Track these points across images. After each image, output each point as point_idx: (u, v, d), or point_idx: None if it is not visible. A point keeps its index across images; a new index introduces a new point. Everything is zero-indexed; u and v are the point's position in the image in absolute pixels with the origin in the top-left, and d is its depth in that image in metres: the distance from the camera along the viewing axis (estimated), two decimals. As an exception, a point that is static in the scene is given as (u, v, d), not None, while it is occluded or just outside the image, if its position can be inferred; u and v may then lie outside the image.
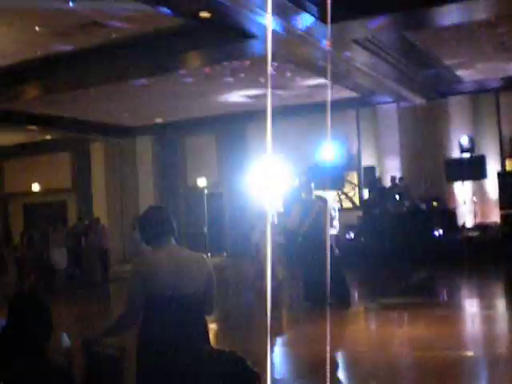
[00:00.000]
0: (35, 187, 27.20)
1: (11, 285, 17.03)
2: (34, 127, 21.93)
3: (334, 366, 7.81)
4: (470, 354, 8.26)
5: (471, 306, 12.51)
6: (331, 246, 11.60)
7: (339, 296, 11.40)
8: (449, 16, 12.36)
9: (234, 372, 3.93)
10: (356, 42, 13.48)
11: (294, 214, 12.20)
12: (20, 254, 18.24)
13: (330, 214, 11.96)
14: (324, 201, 12.40)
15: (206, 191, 24.62)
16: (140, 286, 4.00)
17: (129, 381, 4.10)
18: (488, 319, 10.81)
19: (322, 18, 11.31)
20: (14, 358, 3.50)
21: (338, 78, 17.49)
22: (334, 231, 11.93)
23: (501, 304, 12.54)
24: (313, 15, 11.14)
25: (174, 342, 3.95)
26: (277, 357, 8.49)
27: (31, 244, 17.97)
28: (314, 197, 11.99)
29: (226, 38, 12.62)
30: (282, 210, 20.27)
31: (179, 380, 3.94)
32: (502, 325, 10.46)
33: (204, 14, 11.01)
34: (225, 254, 22.90)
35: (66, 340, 4.26)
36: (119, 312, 4.15)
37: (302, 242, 11.78)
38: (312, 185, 12.16)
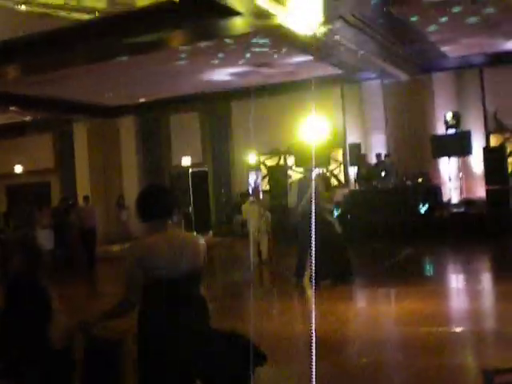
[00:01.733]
0: (18, 168, 27.01)
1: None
2: (15, 108, 21.70)
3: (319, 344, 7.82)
4: (458, 329, 8.29)
5: (458, 282, 12.58)
6: (331, 223, 11.62)
7: (339, 273, 11.44)
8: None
9: (241, 352, 3.91)
10: (341, 17, 13.38)
11: (291, 192, 12.23)
12: (4, 235, 18.07)
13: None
14: (325, 178, 12.45)
15: (190, 170, 24.56)
16: (138, 269, 3.97)
17: (129, 364, 4.08)
18: (474, 294, 10.87)
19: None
20: (15, 339, 3.46)
21: (322, 55, 17.40)
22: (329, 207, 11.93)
23: (486, 279, 12.61)
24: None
25: (175, 323, 3.92)
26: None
27: (15, 225, 17.79)
28: (310, 174, 11.99)
29: (210, 16, 12.47)
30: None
31: (182, 362, 3.92)
32: (487, 300, 10.53)
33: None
34: (210, 233, 22.85)
35: (65, 322, 4.21)
36: (106, 292, 4.13)
37: (302, 219, 11.78)
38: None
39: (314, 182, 11.63)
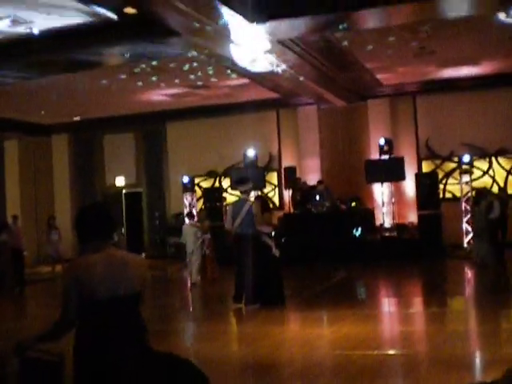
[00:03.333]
0: None
1: None
2: None
3: (255, 367, 7.79)
4: (391, 352, 8.34)
5: (390, 305, 12.70)
6: (268, 246, 11.59)
7: (272, 297, 11.41)
8: (369, 19, 12.55)
9: (182, 374, 3.82)
10: (280, 42, 13.49)
11: (227, 214, 12.19)
12: None
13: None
14: (259, 199, 12.46)
15: (124, 191, 24.28)
16: (75, 290, 3.84)
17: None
18: (406, 317, 11.00)
19: (247, 17, 11.27)
20: None
21: (258, 79, 17.51)
22: (267, 229, 11.86)
23: (418, 302, 12.79)
24: (239, 14, 11.06)
25: (113, 345, 3.80)
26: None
27: None
28: (246, 196, 11.95)
29: (149, 35, 12.43)
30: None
31: None
32: (419, 323, 10.66)
33: (129, 10, 10.80)
34: (143, 255, 22.56)
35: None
36: (36, 314, 4.00)
37: (235, 240, 11.76)
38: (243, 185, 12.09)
39: (248, 203, 11.64)
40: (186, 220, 17.96)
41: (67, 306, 3.89)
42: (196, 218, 17.25)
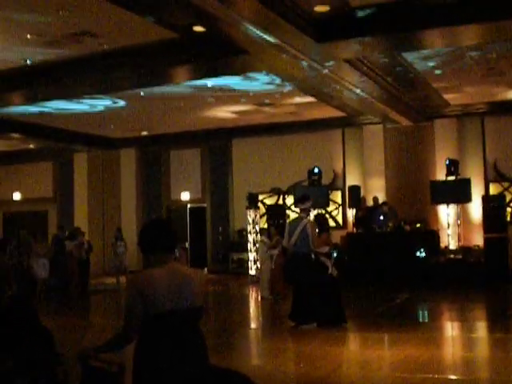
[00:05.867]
0: (16, 196, 26.99)
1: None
2: (17, 135, 21.78)
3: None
4: (453, 377, 8.20)
5: (453, 329, 12.49)
6: (325, 265, 11.53)
7: (330, 316, 11.35)
8: (437, 40, 12.46)
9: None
10: (347, 61, 13.51)
11: (285, 232, 12.17)
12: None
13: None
14: (317, 218, 12.45)
15: (189, 206, 24.54)
16: (138, 302, 3.93)
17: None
18: (469, 342, 10.81)
19: (314, 36, 11.34)
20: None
21: (326, 97, 17.55)
22: (324, 249, 11.81)
23: (482, 327, 12.54)
24: (305, 33, 11.13)
25: (173, 359, 3.87)
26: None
27: (11, 253, 17.72)
28: (304, 214, 11.93)
29: (218, 53, 12.61)
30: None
31: None
32: (482, 348, 10.46)
33: (198, 28, 10.99)
34: (205, 271, 22.76)
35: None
36: (99, 324, 4.10)
37: (291, 258, 11.77)
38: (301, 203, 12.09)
39: (303, 221, 11.59)
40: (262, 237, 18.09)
41: (130, 318, 3.98)
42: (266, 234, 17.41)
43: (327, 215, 20.92)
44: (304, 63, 12.97)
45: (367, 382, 8.00)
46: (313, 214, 17.14)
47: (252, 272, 20.44)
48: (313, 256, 11.50)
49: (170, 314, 3.91)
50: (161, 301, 3.91)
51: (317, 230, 11.66)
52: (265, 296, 15.88)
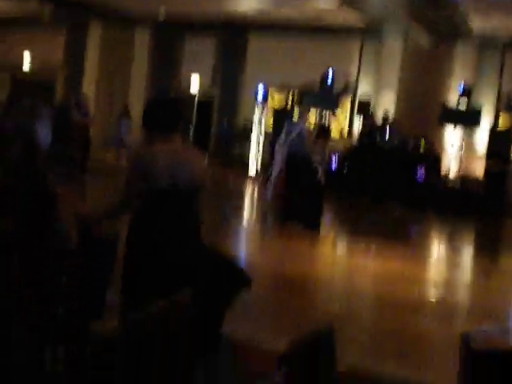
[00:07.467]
0: (26, 59, 26.60)
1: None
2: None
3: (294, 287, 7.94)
4: (432, 299, 8.39)
5: (440, 251, 12.71)
6: (316, 171, 11.56)
7: (309, 221, 11.46)
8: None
9: (227, 273, 3.98)
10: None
11: (283, 131, 12.18)
12: (1, 122, 17.85)
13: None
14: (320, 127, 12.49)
15: (196, 99, 24.28)
16: (139, 175, 4.01)
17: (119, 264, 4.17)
18: (454, 265, 11.04)
19: None
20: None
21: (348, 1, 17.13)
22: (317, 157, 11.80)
23: (468, 254, 12.76)
24: None
25: (168, 232, 3.98)
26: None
27: (15, 114, 17.62)
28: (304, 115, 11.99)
29: None
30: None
31: (167, 273, 3.97)
32: (467, 272, 10.69)
33: None
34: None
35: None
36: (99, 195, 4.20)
37: (287, 160, 11.85)
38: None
39: (301, 125, 11.63)
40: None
41: (129, 188, 4.08)
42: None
43: (332, 125, 20.80)
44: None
45: (349, 288, 8.24)
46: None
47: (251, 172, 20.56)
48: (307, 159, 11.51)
49: (167, 190, 3.99)
50: (160, 177, 3.97)
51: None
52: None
